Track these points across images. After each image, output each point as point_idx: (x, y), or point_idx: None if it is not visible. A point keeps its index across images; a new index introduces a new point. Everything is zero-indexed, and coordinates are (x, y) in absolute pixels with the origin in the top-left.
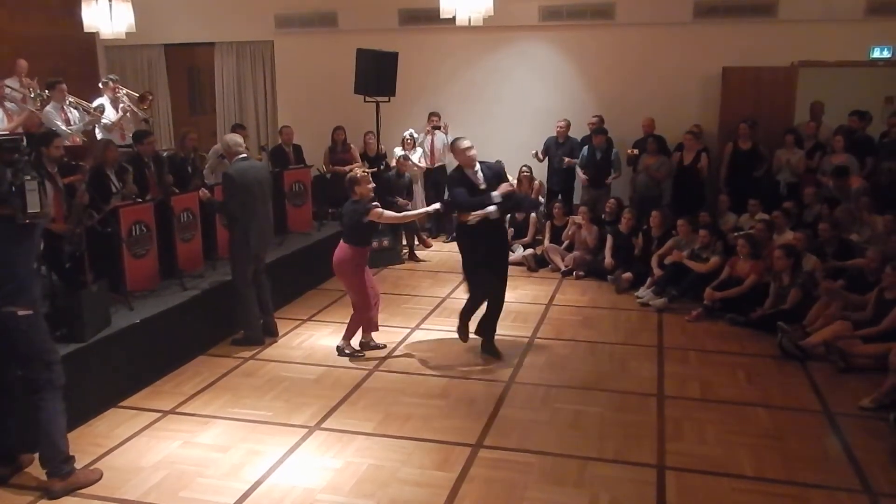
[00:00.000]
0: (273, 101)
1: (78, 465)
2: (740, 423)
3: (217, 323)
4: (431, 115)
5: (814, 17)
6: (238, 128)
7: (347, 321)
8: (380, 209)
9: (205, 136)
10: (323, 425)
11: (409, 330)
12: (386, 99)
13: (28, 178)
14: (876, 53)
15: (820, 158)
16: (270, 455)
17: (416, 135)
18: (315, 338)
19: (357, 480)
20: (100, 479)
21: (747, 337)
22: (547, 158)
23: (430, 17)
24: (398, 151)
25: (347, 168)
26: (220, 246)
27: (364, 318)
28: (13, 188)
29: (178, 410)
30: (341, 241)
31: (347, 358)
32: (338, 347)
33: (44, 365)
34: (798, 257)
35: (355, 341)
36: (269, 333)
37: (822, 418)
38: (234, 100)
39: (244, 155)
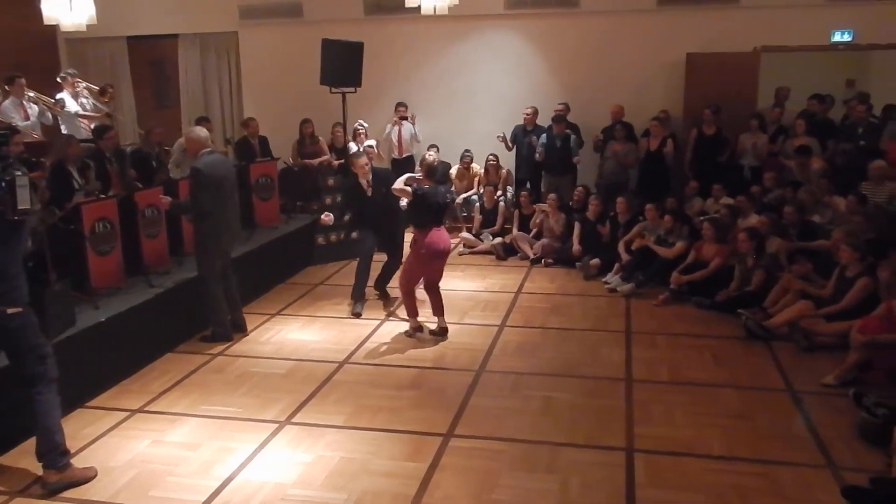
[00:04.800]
0: (238, 93)
1: None
2: (708, 404)
3: (185, 320)
4: (398, 105)
5: (775, 3)
6: (203, 120)
7: (437, 303)
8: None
9: (170, 130)
10: (293, 420)
11: (378, 321)
12: (352, 90)
13: (19, 173)
14: (837, 37)
15: (783, 142)
16: (241, 451)
17: (366, 124)
18: (284, 332)
19: (328, 474)
20: (95, 476)
21: (713, 319)
22: (515, 147)
23: (396, 6)
24: (353, 146)
25: (317, 161)
26: (187, 242)
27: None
28: (3, 184)
29: (146, 409)
30: (439, 227)
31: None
32: (441, 328)
33: (37, 359)
34: (762, 240)
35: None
36: (237, 329)
37: (787, 397)
38: (198, 92)
39: (210, 149)
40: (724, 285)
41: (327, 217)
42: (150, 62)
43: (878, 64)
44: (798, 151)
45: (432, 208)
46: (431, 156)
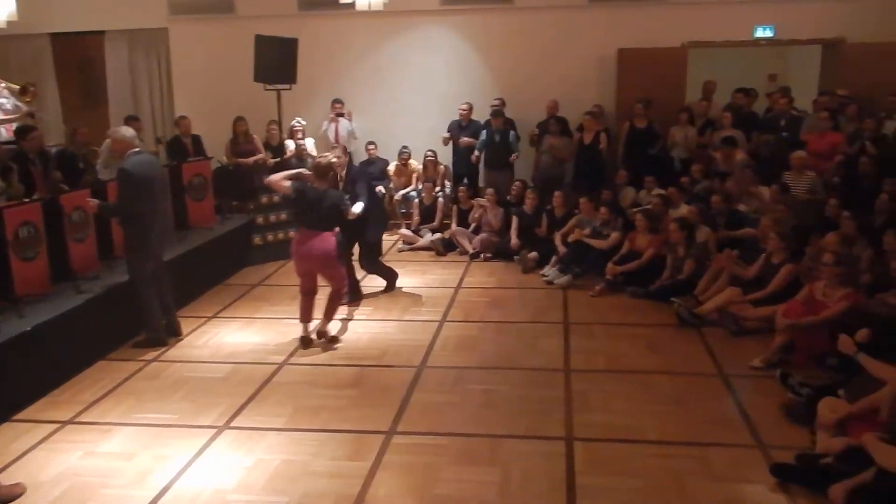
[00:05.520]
0: (169, 91)
1: None
2: (644, 391)
3: (116, 326)
4: (335, 102)
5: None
6: (132, 120)
7: (326, 307)
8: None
9: (97, 130)
10: (232, 424)
11: (318, 321)
12: (287, 87)
13: None
14: (759, 33)
15: (710, 135)
16: (178, 459)
17: (303, 122)
18: (221, 335)
19: (269, 477)
20: (23, 493)
21: (648, 308)
22: (451, 142)
23: (330, 2)
24: (290, 144)
25: (251, 159)
26: (117, 245)
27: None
28: None
29: (77, 420)
30: (319, 232)
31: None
32: (319, 333)
33: None
34: (692, 229)
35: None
36: (172, 333)
37: (718, 380)
38: (127, 91)
39: (138, 149)
40: (657, 275)
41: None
42: (76, 60)
43: (798, 58)
44: (724, 143)
45: (305, 210)
46: (327, 156)
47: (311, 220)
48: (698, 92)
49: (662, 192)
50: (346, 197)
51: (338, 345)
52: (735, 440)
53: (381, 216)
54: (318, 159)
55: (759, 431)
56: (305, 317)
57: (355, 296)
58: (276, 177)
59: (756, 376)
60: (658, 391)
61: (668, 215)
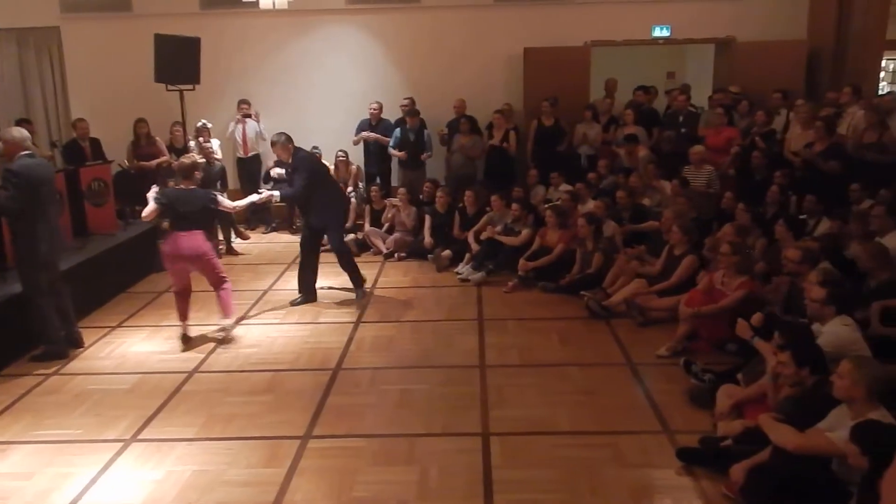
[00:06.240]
0: (64, 92)
1: None
2: (556, 383)
3: (11, 340)
4: (241, 102)
5: (602, 0)
6: (23, 122)
7: (221, 303)
8: (220, 196)
9: None
10: (140, 436)
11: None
12: (190, 87)
13: None
14: (657, 32)
15: (614, 131)
16: (82, 475)
17: (209, 124)
18: (127, 345)
19: (180, 489)
20: None
21: (559, 302)
22: (362, 142)
23: (233, 0)
24: (192, 146)
25: (154, 162)
26: (9, 255)
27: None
28: None
29: None
30: (189, 231)
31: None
32: (224, 330)
33: None
34: (599, 224)
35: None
36: (72, 345)
37: (627, 370)
38: (18, 92)
39: (29, 151)
40: (567, 269)
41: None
42: None
43: (693, 57)
44: (627, 140)
45: (178, 213)
46: (191, 156)
47: (184, 223)
48: (602, 90)
49: (570, 187)
50: (213, 194)
51: (254, 349)
52: (643, 427)
53: (331, 204)
54: (181, 160)
55: (666, 417)
56: (183, 316)
57: (309, 297)
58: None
59: (662, 364)
60: (570, 382)
61: (576, 211)
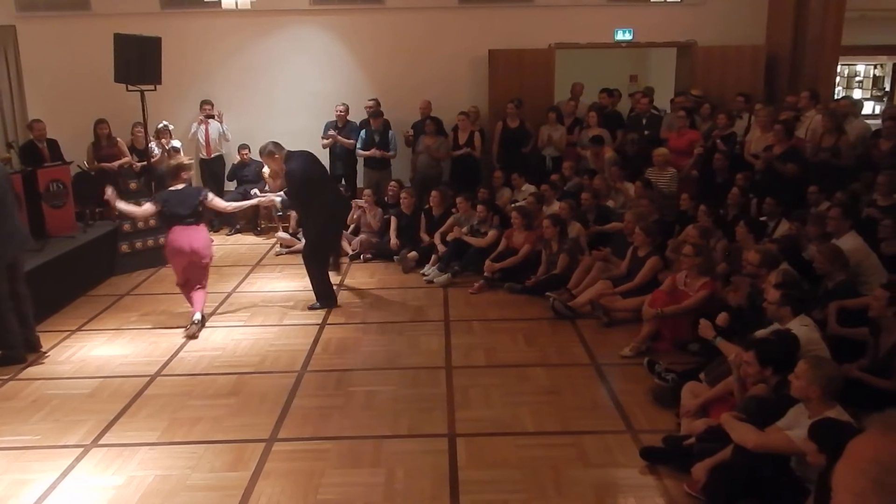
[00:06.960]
0: (20, 92)
1: None
2: (521, 383)
3: None
4: (203, 103)
5: (565, 3)
6: None
7: (195, 299)
8: (212, 195)
9: None
10: (101, 441)
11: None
12: (152, 87)
13: None
14: (619, 35)
15: (579, 133)
16: (39, 482)
17: (170, 126)
18: (87, 349)
19: (142, 494)
20: None
21: (525, 303)
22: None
23: (194, 0)
24: (153, 148)
25: (116, 163)
26: None
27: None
28: None
29: None
30: (193, 225)
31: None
32: (197, 322)
33: None
34: (564, 225)
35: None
36: (30, 349)
37: (591, 370)
38: None
39: None
40: (533, 270)
41: None
42: None
43: (656, 60)
44: (592, 142)
45: (179, 211)
46: (179, 157)
47: (185, 218)
48: (566, 92)
49: (534, 189)
50: (204, 192)
51: (218, 352)
52: (607, 427)
53: (323, 212)
54: (168, 162)
55: (630, 417)
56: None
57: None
58: (128, 209)
59: (626, 364)
60: (535, 383)
61: (541, 212)
